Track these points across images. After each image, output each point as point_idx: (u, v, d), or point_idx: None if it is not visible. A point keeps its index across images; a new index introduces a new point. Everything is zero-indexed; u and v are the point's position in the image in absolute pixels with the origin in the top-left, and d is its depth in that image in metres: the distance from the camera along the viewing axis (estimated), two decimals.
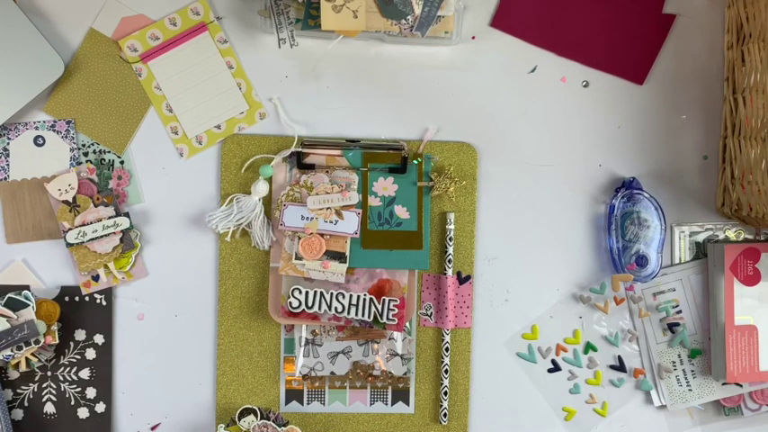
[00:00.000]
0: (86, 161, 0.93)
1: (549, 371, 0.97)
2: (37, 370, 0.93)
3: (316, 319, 0.92)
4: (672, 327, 0.96)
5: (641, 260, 0.93)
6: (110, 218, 0.92)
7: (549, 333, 0.96)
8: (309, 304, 0.92)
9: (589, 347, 0.96)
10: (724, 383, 0.96)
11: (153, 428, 0.95)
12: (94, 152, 0.94)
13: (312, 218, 0.92)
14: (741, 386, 0.96)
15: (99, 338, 0.94)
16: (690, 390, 0.96)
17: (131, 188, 0.94)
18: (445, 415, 0.95)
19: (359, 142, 0.94)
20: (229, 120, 0.94)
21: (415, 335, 0.95)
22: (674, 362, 0.96)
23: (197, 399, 0.95)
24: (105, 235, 0.91)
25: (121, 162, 0.94)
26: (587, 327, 0.96)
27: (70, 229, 0.91)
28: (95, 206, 0.92)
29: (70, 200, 0.91)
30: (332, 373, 0.95)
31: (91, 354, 0.94)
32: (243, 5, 0.94)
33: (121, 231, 0.92)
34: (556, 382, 0.97)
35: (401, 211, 0.94)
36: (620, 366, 0.96)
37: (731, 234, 0.97)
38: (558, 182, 0.96)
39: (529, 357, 0.96)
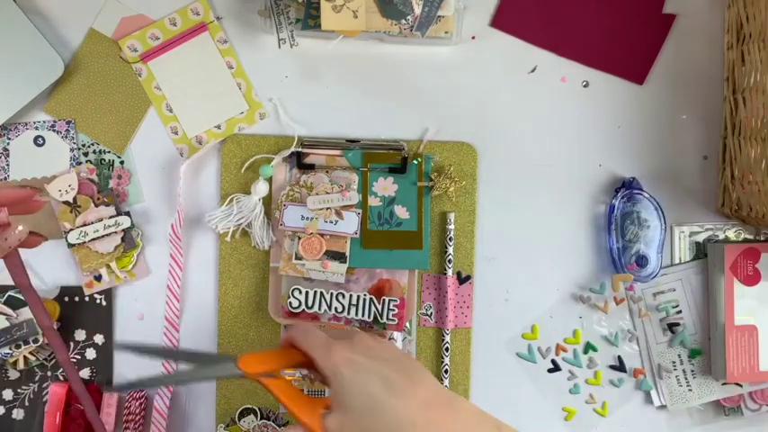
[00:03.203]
0: (86, 161, 0.93)
1: (549, 371, 0.97)
2: (37, 369, 0.93)
3: (316, 319, 0.93)
4: (672, 327, 0.96)
5: (641, 260, 0.93)
6: (110, 217, 0.92)
7: (549, 333, 0.96)
8: (309, 304, 0.92)
9: (589, 347, 0.96)
10: (724, 383, 0.96)
11: None
12: (94, 152, 0.94)
13: (312, 218, 0.92)
14: (741, 386, 0.96)
15: (99, 338, 0.94)
16: (690, 390, 0.96)
17: (131, 188, 0.94)
18: None
19: (359, 142, 0.94)
20: (229, 120, 0.94)
21: (415, 335, 0.95)
22: (673, 362, 0.96)
23: (197, 399, 0.95)
24: (107, 234, 0.91)
25: (121, 162, 0.94)
26: (587, 327, 0.96)
27: (71, 229, 0.91)
28: (96, 206, 0.92)
29: (71, 200, 0.92)
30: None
31: (91, 354, 0.94)
32: (243, 5, 0.94)
33: (123, 230, 0.92)
34: (556, 382, 0.97)
35: (401, 211, 0.94)
36: (620, 366, 0.96)
37: (731, 234, 0.97)
38: (557, 182, 0.96)
39: (529, 357, 0.96)
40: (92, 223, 0.91)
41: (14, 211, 0.72)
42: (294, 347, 0.75)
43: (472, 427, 0.67)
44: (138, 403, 0.92)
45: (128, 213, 0.92)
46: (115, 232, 0.92)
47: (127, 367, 0.95)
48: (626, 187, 0.94)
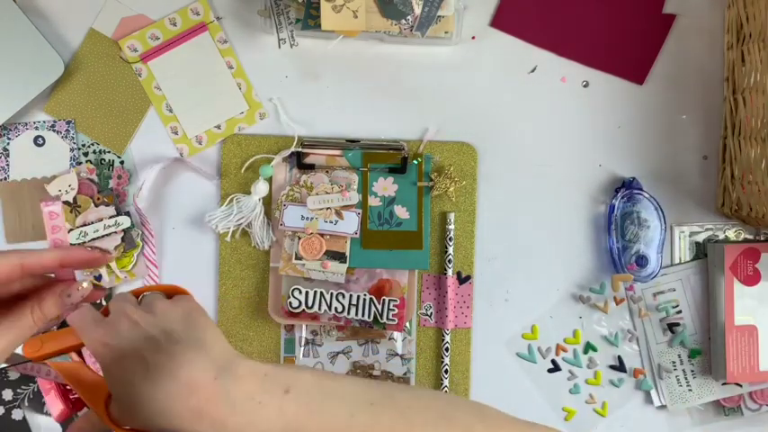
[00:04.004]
0: (86, 161, 0.93)
1: (549, 371, 0.97)
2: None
3: (316, 319, 0.93)
4: (672, 327, 0.96)
5: (641, 260, 0.93)
6: (110, 217, 0.92)
7: (549, 333, 0.96)
8: (309, 304, 0.92)
9: (589, 347, 0.96)
10: (724, 383, 0.96)
11: None
12: (94, 152, 0.94)
13: (312, 218, 0.92)
14: (741, 386, 0.96)
15: None
16: (690, 390, 0.96)
17: (131, 188, 0.94)
18: None
19: (359, 142, 0.94)
20: (229, 120, 0.94)
21: (415, 335, 0.95)
22: (673, 362, 0.96)
23: None
24: (107, 234, 0.92)
25: (121, 162, 0.94)
26: (587, 327, 0.96)
27: (71, 229, 0.91)
28: (96, 206, 0.92)
29: (71, 200, 0.92)
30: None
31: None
32: (243, 5, 0.94)
33: (123, 231, 0.92)
34: (556, 382, 0.97)
35: (401, 211, 0.94)
36: (619, 366, 0.96)
37: (731, 234, 0.97)
38: (558, 182, 0.96)
39: (529, 357, 0.96)
40: (92, 223, 0.91)
41: (79, 267, 0.67)
42: None
43: (251, 400, 0.57)
44: None
45: (127, 213, 0.92)
46: (115, 232, 0.92)
47: None
48: (626, 187, 0.94)
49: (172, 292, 0.67)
